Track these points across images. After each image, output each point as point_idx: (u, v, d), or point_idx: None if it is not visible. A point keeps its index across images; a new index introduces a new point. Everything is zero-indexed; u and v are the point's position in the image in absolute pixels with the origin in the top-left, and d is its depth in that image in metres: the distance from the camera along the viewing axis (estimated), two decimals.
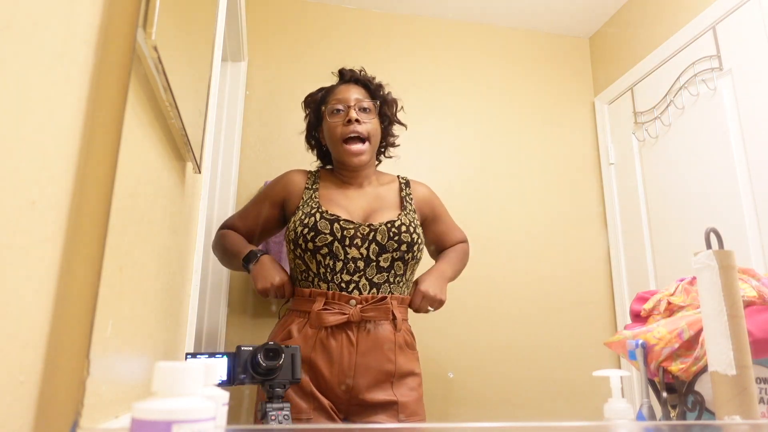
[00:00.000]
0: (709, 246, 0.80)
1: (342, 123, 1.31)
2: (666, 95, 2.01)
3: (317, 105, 1.39)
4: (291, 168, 1.41)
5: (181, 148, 0.85)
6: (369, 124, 1.34)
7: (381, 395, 1.17)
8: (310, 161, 1.52)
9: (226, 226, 1.40)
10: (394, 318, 1.21)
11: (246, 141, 2.04)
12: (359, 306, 1.18)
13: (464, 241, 1.48)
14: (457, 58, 2.34)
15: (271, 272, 1.23)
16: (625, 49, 2.25)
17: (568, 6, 2.29)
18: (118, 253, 0.56)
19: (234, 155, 1.93)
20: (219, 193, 1.85)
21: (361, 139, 1.31)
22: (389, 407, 1.17)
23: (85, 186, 0.52)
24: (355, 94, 1.35)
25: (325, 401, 1.15)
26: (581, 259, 2.18)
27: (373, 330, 1.19)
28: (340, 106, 1.33)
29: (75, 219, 0.50)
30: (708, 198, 1.81)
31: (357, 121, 1.31)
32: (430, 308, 1.27)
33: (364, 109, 1.34)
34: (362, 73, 1.42)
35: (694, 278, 1.01)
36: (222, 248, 1.37)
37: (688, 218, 1.89)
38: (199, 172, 0.99)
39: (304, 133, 1.46)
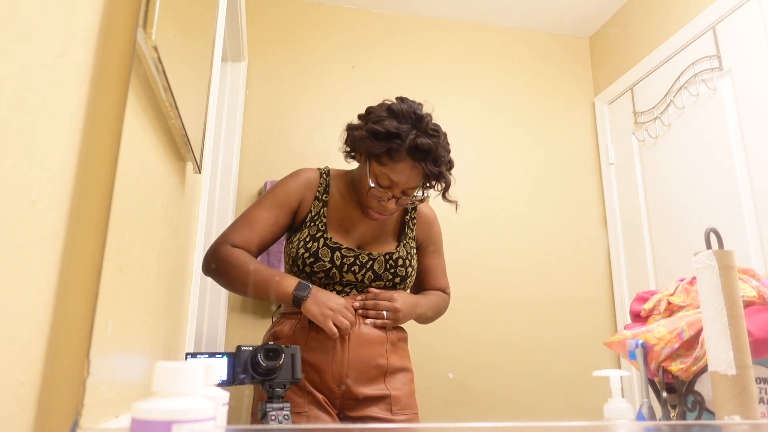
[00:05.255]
0: (709, 246, 0.80)
1: (378, 200, 1.21)
2: (666, 95, 2.01)
3: (373, 149, 1.18)
4: (291, 168, 1.38)
5: (181, 148, 0.85)
6: (402, 207, 1.27)
7: (374, 390, 1.18)
8: (309, 162, 1.51)
9: (230, 242, 1.20)
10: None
11: (246, 141, 2.04)
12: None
13: (447, 292, 1.38)
14: (456, 58, 2.34)
15: (331, 305, 1.15)
16: (625, 49, 2.25)
17: (568, 6, 2.29)
18: (118, 253, 0.56)
19: (234, 155, 1.93)
20: (219, 193, 1.85)
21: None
22: (382, 401, 1.18)
23: (85, 186, 0.52)
24: (412, 182, 1.20)
25: (320, 396, 1.16)
26: (581, 259, 2.18)
27: (365, 326, 1.20)
28: (388, 186, 1.19)
29: (75, 219, 0.50)
30: (708, 198, 1.81)
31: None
32: (384, 311, 1.19)
33: (408, 195, 1.23)
34: (438, 152, 1.18)
35: (694, 278, 1.01)
36: (235, 275, 1.20)
37: (688, 218, 1.89)
38: (199, 172, 0.99)
39: (347, 130, 1.28)
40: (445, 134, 1.23)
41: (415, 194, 1.24)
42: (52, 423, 0.46)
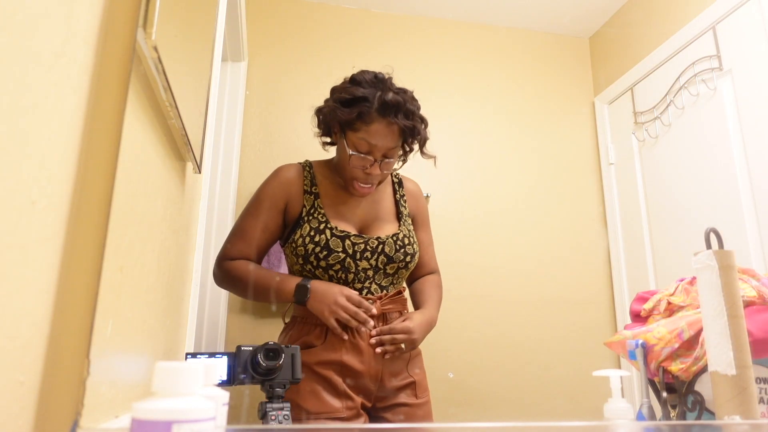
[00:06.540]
0: (709, 246, 0.80)
1: (361, 169, 1.22)
2: (666, 95, 2.01)
3: (344, 117, 1.21)
4: None
5: (181, 148, 0.85)
6: (386, 172, 1.26)
7: (401, 379, 1.24)
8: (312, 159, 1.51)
9: (228, 257, 1.25)
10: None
11: (246, 141, 2.04)
12: (378, 302, 1.23)
13: (438, 272, 1.42)
14: (456, 58, 2.34)
15: (333, 298, 1.17)
16: (625, 49, 2.25)
17: (568, 6, 2.29)
18: (118, 253, 0.56)
19: (234, 155, 1.93)
20: (219, 193, 1.85)
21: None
22: (408, 387, 1.24)
23: (85, 186, 0.52)
24: (390, 141, 1.20)
25: (358, 399, 1.18)
26: (581, 259, 2.18)
27: (391, 322, 1.23)
28: (368, 151, 1.20)
29: (75, 219, 0.50)
30: (708, 198, 1.81)
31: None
32: (402, 345, 1.21)
33: (389, 156, 1.23)
34: (407, 107, 1.20)
35: (694, 278, 1.01)
36: (240, 285, 1.25)
37: (688, 218, 1.89)
38: (199, 172, 0.99)
39: (317, 113, 1.31)
40: (411, 92, 1.26)
41: (396, 154, 1.24)
42: (52, 423, 0.46)
